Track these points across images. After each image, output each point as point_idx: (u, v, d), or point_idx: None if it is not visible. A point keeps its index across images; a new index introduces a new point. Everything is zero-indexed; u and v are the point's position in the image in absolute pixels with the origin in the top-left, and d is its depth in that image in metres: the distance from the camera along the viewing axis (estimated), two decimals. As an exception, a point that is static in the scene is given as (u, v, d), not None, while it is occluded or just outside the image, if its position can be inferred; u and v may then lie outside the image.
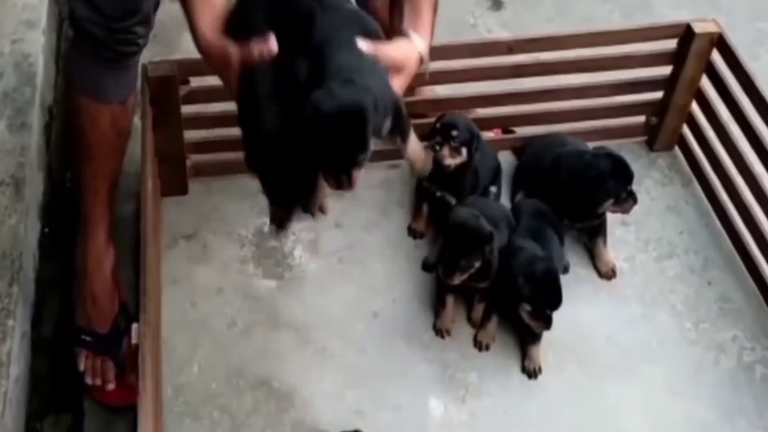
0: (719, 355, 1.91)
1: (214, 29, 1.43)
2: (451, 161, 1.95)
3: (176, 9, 2.29)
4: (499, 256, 1.87)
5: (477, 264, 1.81)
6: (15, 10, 2.34)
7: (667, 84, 2.16)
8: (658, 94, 2.20)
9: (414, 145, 1.55)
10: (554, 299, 1.79)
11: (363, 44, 1.38)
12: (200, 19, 1.43)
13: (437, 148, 1.93)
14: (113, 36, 1.69)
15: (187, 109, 1.99)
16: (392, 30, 1.53)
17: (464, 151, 1.95)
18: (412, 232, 2.08)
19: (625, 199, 1.99)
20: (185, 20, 1.48)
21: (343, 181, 1.33)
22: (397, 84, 1.44)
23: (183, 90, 1.96)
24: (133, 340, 1.53)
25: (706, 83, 2.14)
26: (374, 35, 1.43)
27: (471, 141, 1.96)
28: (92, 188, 1.88)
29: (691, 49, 2.07)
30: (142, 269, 1.64)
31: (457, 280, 1.81)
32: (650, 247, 2.08)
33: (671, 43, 2.11)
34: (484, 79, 2.08)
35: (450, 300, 1.91)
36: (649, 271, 2.05)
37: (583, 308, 1.95)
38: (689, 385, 1.86)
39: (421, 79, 1.61)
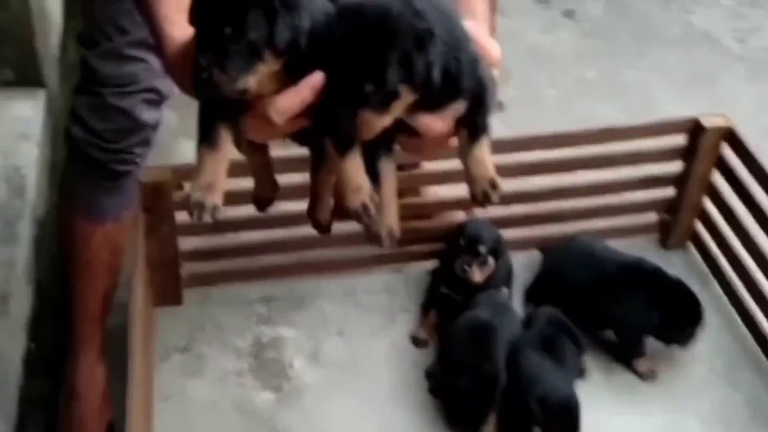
0: (753, 463, 1.78)
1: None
2: (480, 277, 1.90)
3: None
4: (508, 370, 1.78)
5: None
6: (8, 121, 2.31)
7: (679, 180, 2.09)
8: (670, 191, 2.13)
9: (482, 153, 1.11)
10: (571, 429, 1.68)
11: None
12: (173, 27, 1.11)
13: (466, 269, 1.87)
14: (109, 156, 1.64)
15: (181, 216, 1.92)
16: None
17: (491, 260, 1.91)
18: (416, 341, 1.97)
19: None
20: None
21: (342, 124, 1.02)
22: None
23: (177, 196, 1.90)
24: (118, 457, 1.42)
25: (718, 178, 2.07)
26: None
27: (497, 247, 1.92)
28: (84, 308, 1.81)
29: (702, 144, 2.01)
30: (129, 388, 1.54)
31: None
32: (672, 351, 1.96)
33: (680, 139, 2.05)
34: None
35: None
36: (673, 377, 1.92)
37: (603, 416, 1.82)
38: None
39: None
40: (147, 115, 1.61)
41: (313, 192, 1.26)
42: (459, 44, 1.04)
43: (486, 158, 1.09)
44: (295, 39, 1.01)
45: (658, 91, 2.71)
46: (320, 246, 2.08)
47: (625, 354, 1.93)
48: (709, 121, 2.00)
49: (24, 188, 2.14)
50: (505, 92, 2.63)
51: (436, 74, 1.01)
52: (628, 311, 1.91)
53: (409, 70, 0.99)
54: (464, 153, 1.09)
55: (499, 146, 1.95)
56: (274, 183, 1.30)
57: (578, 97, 2.67)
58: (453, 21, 1.06)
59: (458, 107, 1.06)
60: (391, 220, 1.15)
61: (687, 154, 2.05)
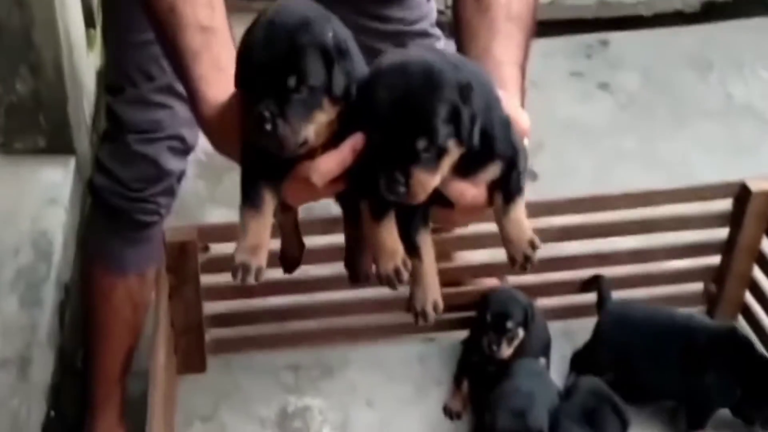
0: None
1: (222, 90, 1.07)
2: (508, 352, 1.82)
3: (200, 186, 2.23)
4: None
5: None
6: (38, 187, 2.28)
7: (725, 247, 2.01)
8: (716, 259, 2.04)
9: (519, 215, 1.07)
10: None
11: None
12: (204, 82, 1.08)
13: (494, 348, 1.80)
14: (133, 205, 1.61)
15: (206, 279, 1.86)
16: None
17: (521, 331, 1.83)
18: (449, 413, 1.88)
19: None
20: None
21: (396, 181, 0.97)
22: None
23: (202, 257, 1.85)
24: None
25: (767, 245, 1.99)
26: None
27: (526, 318, 1.84)
28: (103, 367, 1.75)
29: (749, 209, 1.93)
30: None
31: None
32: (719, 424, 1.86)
33: (726, 204, 1.98)
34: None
35: None
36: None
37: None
38: None
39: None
40: (172, 163, 1.57)
41: (349, 240, 1.21)
42: (493, 104, 1.02)
43: (523, 220, 1.06)
44: (348, 86, 0.98)
45: (698, 163, 2.64)
46: (349, 312, 2.01)
47: (690, 425, 1.84)
48: (756, 185, 1.92)
49: (50, 253, 2.10)
50: (538, 163, 2.58)
51: (477, 130, 0.98)
52: (711, 384, 1.81)
53: (457, 124, 0.97)
54: (500, 216, 1.06)
55: (536, 209, 1.92)
56: (301, 242, 1.25)
57: (614, 168, 2.61)
58: (486, 80, 1.03)
59: (493, 170, 1.03)
60: (434, 294, 1.12)
61: (734, 219, 1.97)
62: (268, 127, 0.94)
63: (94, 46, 2.61)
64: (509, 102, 1.04)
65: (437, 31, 1.76)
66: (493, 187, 1.04)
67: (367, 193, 1.03)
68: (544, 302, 2.06)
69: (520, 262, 1.07)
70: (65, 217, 2.22)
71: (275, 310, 1.97)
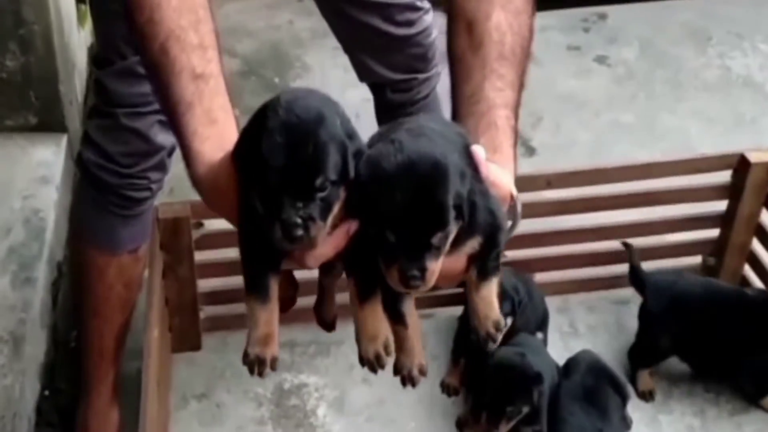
0: None
1: (216, 145, 1.03)
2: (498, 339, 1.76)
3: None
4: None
5: (525, 409, 1.60)
6: (30, 166, 2.26)
7: (724, 220, 1.99)
8: (715, 232, 2.02)
9: (490, 293, 1.06)
10: None
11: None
12: (197, 137, 1.04)
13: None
14: (123, 181, 1.57)
15: (200, 256, 1.84)
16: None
17: (509, 320, 1.76)
18: (446, 388, 1.87)
19: None
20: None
21: (412, 275, 0.95)
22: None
23: (196, 234, 1.83)
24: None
25: (767, 217, 1.96)
26: None
27: (513, 307, 1.78)
28: (97, 346, 1.73)
29: (748, 181, 1.91)
30: (142, 427, 1.45)
31: (504, 429, 1.58)
32: (722, 399, 1.84)
33: (725, 176, 1.96)
34: (522, 216, 1.92)
35: None
36: (722, 427, 1.80)
37: (650, 469, 1.70)
38: None
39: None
40: (162, 137, 1.54)
41: (320, 290, 1.21)
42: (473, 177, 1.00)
43: (493, 299, 1.04)
44: (356, 165, 0.96)
45: (697, 136, 2.61)
46: (345, 289, 1.98)
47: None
48: (755, 157, 1.90)
49: (43, 231, 2.08)
50: (536, 137, 2.56)
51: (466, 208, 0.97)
52: None
53: (459, 209, 0.96)
54: (472, 290, 1.04)
55: (534, 183, 1.91)
56: (295, 283, 1.19)
57: (613, 142, 2.58)
58: (464, 155, 1.01)
59: (474, 244, 1.00)
60: (419, 358, 1.10)
61: (732, 191, 1.95)
62: (300, 233, 0.93)
63: (85, 22, 2.57)
64: (496, 168, 1.02)
65: (426, 4, 1.73)
66: (471, 258, 1.02)
67: (355, 274, 1.03)
68: (542, 277, 2.05)
69: (482, 338, 1.05)
70: (57, 196, 2.20)
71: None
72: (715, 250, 2.03)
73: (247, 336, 1.03)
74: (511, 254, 2.00)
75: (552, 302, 2.02)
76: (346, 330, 1.94)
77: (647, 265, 2.03)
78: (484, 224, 1.00)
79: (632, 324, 2.01)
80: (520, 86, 1.13)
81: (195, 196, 1.84)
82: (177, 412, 1.84)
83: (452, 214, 0.95)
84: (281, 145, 0.94)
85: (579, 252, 2.01)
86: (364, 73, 1.80)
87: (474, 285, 1.03)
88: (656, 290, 1.87)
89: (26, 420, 1.80)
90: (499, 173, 1.03)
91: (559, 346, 1.92)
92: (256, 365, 1.03)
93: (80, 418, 1.75)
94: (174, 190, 2.13)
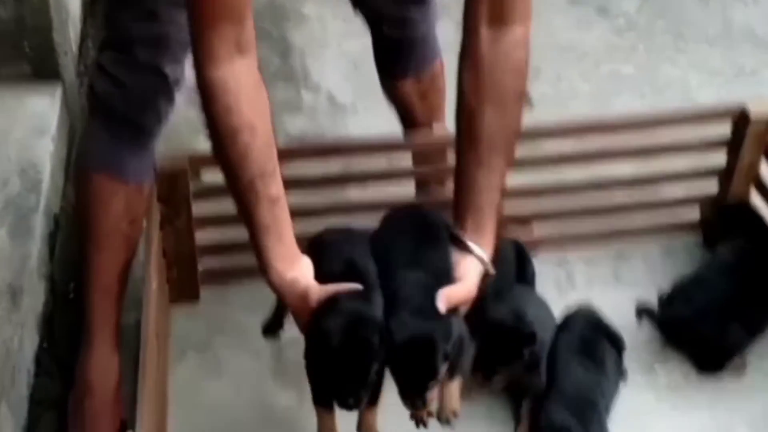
0: (812, 472, 1.66)
1: (287, 264, 1.41)
2: None
3: (191, 114, 2.17)
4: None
5: (518, 369, 1.63)
6: (25, 117, 2.24)
7: (723, 172, 1.98)
8: (714, 185, 2.01)
9: (455, 390, 1.49)
10: None
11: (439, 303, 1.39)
12: (272, 254, 1.40)
13: None
14: (134, 108, 1.59)
15: (198, 208, 1.84)
16: (453, 241, 1.47)
17: None
18: None
19: None
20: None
21: (417, 403, 1.40)
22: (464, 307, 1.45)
23: (194, 186, 1.82)
24: (127, 453, 1.33)
25: (766, 170, 1.96)
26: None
27: None
28: (100, 285, 1.73)
29: (748, 133, 1.90)
30: (141, 378, 1.46)
31: (498, 383, 1.64)
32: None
33: (725, 129, 1.94)
34: (521, 169, 1.91)
35: None
36: (721, 379, 1.81)
37: (646, 420, 1.72)
38: None
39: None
40: (174, 70, 1.56)
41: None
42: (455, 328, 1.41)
43: (456, 393, 1.49)
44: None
45: (697, 88, 2.58)
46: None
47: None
48: (755, 108, 1.89)
49: (39, 183, 2.07)
50: (535, 89, 2.53)
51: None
52: None
53: (446, 357, 1.39)
54: (443, 384, 1.45)
55: (533, 134, 1.89)
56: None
57: (613, 94, 2.56)
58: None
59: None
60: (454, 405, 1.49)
61: (732, 143, 1.94)
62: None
63: (79, -30, 2.54)
64: (466, 268, 1.43)
65: None
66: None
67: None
68: (540, 230, 2.05)
69: (443, 419, 1.48)
70: (53, 147, 2.18)
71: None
72: (714, 202, 2.03)
73: None
74: (509, 208, 1.99)
75: (550, 256, 2.03)
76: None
77: (645, 218, 2.05)
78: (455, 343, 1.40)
79: (629, 277, 2.02)
80: (508, 164, 1.45)
81: (193, 145, 1.83)
82: (175, 364, 1.85)
83: (442, 367, 1.37)
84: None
85: (577, 205, 2.01)
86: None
87: (444, 382, 1.44)
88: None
89: (25, 371, 1.81)
90: (470, 274, 1.43)
91: (557, 299, 1.92)
92: None
93: (80, 368, 1.75)
94: (172, 139, 2.12)
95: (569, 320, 1.82)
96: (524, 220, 2.04)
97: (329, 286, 1.40)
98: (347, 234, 1.60)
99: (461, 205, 1.45)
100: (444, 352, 1.36)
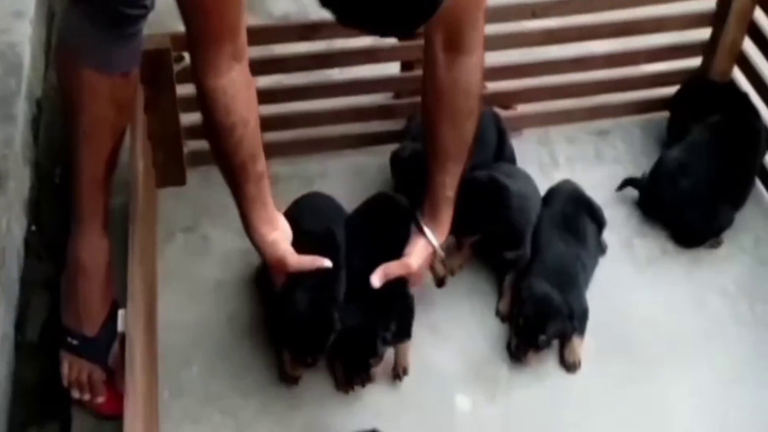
0: (779, 337, 1.73)
1: (269, 227, 1.61)
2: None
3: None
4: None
5: (498, 228, 1.71)
6: (2, 1, 2.20)
7: (707, 48, 1.98)
8: (697, 61, 2.02)
9: (406, 349, 1.67)
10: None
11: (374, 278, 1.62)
12: (257, 220, 1.60)
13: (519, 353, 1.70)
14: None
15: (183, 89, 1.82)
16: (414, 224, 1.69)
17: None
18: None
19: None
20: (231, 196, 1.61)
21: (362, 379, 1.62)
22: (416, 276, 1.66)
23: (178, 66, 1.80)
24: (120, 328, 1.36)
25: (749, 46, 1.96)
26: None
27: (564, 331, 1.69)
28: (88, 173, 1.71)
29: (732, 8, 1.89)
30: (131, 256, 1.49)
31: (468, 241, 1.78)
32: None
33: (710, 3, 1.94)
34: (506, 47, 1.91)
35: None
36: (696, 250, 1.86)
37: (624, 292, 1.77)
38: (747, 371, 1.69)
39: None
40: None
41: None
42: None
43: (407, 353, 1.66)
44: None
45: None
46: (326, 122, 1.99)
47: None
48: (740, -21, 1.88)
49: (20, 67, 2.04)
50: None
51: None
52: None
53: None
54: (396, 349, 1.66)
55: (519, 12, 1.88)
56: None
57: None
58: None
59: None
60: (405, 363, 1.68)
61: (716, 19, 1.94)
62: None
63: None
64: (419, 250, 1.66)
65: None
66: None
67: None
68: (523, 108, 2.06)
69: (394, 376, 1.66)
70: (31, 30, 2.15)
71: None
72: (696, 80, 2.03)
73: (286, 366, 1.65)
74: (492, 86, 2.00)
75: (532, 134, 2.05)
76: (327, 164, 1.99)
77: (630, 96, 2.06)
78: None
79: (610, 154, 2.04)
80: (464, 169, 1.64)
81: (175, 28, 1.81)
82: (164, 244, 1.87)
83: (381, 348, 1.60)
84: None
85: (560, 83, 2.01)
86: None
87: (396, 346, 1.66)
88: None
89: (15, 254, 1.82)
90: (413, 260, 1.65)
91: (540, 177, 1.94)
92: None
93: (71, 251, 1.77)
94: (153, 23, 2.10)
95: (551, 195, 1.85)
96: (508, 104, 2.04)
97: (304, 259, 1.60)
98: (330, 202, 1.81)
99: (424, 199, 1.67)
100: (383, 338, 1.57)
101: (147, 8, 1.58)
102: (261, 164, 1.57)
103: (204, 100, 1.50)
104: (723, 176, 1.85)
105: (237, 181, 1.58)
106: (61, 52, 1.75)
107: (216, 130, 1.52)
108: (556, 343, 1.69)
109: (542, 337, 1.64)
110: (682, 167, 1.87)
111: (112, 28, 1.58)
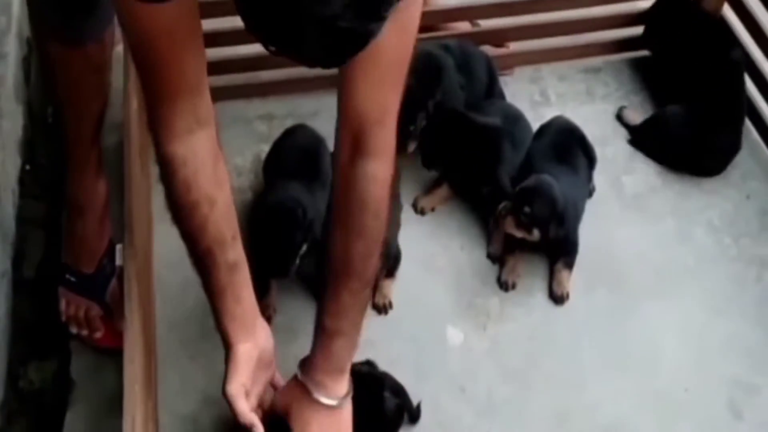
0: (762, 270, 1.77)
1: (242, 334, 1.37)
2: (515, 233, 1.70)
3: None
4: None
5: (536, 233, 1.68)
6: (-12, -61, 2.17)
7: (695, -15, 1.99)
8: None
9: (389, 284, 1.69)
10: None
11: None
12: (225, 313, 1.37)
13: (501, 213, 1.70)
14: None
15: (172, 28, 1.82)
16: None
17: (536, 232, 1.68)
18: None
19: None
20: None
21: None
22: None
23: (168, 3, 1.79)
24: (117, 262, 1.39)
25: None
26: None
27: (548, 220, 1.67)
28: (75, 132, 1.71)
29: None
30: (127, 193, 1.50)
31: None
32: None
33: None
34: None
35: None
36: (683, 186, 1.90)
37: (612, 227, 1.81)
38: (730, 303, 1.73)
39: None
40: None
41: None
42: None
43: (390, 288, 1.70)
44: None
45: None
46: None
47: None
48: None
49: (9, 5, 2.03)
50: None
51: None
52: None
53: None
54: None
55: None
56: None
57: None
58: None
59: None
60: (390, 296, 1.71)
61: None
62: None
63: None
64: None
65: None
66: None
67: None
68: (515, 46, 2.07)
69: (379, 307, 1.70)
70: (19, -31, 2.14)
71: (245, 59, 1.93)
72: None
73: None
74: (484, 23, 2.01)
75: (524, 72, 2.06)
76: (321, 100, 2.00)
77: (616, 34, 2.06)
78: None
79: (601, 91, 2.06)
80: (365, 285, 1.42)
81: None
82: (158, 184, 1.87)
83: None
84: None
85: (551, 20, 2.02)
86: None
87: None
88: None
89: (10, 192, 1.83)
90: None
91: (531, 115, 1.95)
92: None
93: (69, 194, 1.78)
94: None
95: (544, 128, 1.87)
96: (499, 42, 2.05)
97: (248, 416, 1.35)
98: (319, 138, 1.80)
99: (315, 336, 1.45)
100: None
101: None
102: (233, 253, 1.34)
103: (162, 170, 1.31)
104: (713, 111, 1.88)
105: (203, 270, 1.36)
106: (32, 26, 1.72)
107: (176, 207, 1.33)
108: (545, 275, 1.73)
109: (526, 209, 1.64)
110: (675, 116, 1.91)
111: (77, 1, 1.53)
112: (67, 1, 1.52)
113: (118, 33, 1.48)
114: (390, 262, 1.67)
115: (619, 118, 1.98)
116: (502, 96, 1.94)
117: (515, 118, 1.86)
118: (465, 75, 1.86)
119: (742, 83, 1.92)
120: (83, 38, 1.56)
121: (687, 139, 1.87)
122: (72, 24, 1.54)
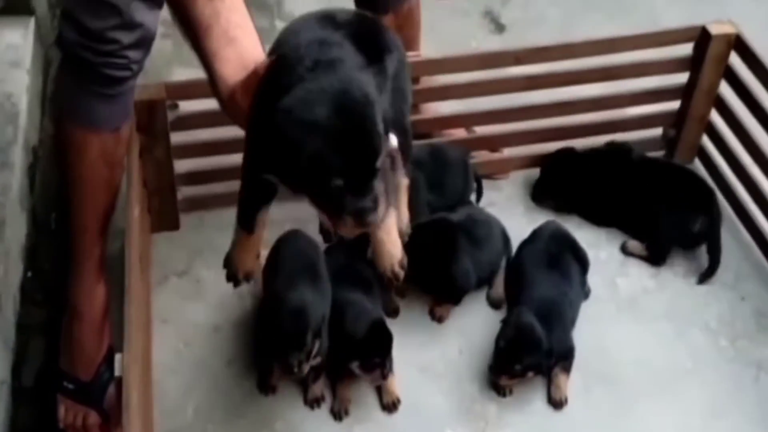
0: (760, 372, 1.77)
1: (239, 78, 1.25)
2: (512, 382, 1.72)
3: (166, 45, 2.18)
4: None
5: (530, 374, 1.69)
6: (-1, 50, 2.25)
7: (685, 92, 2.04)
8: (675, 104, 2.08)
9: (392, 384, 1.70)
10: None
11: None
12: (223, 66, 1.25)
13: (493, 374, 1.72)
14: (103, 59, 1.57)
15: (176, 137, 1.87)
16: None
17: (531, 373, 1.70)
18: None
19: None
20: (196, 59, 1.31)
21: (363, 207, 1.22)
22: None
23: (171, 115, 1.85)
24: (116, 372, 1.39)
25: (725, 90, 2.02)
26: None
27: (539, 363, 1.69)
28: (81, 225, 1.74)
29: (708, 53, 1.96)
30: (127, 301, 1.52)
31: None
32: (676, 262, 1.94)
33: (687, 49, 2.00)
34: (491, 93, 1.97)
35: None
36: (677, 288, 1.91)
37: (608, 328, 1.81)
38: (730, 404, 1.72)
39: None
40: (142, 14, 1.52)
41: None
42: None
43: (394, 387, 1.68)
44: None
45: (663, 10, 2.63)
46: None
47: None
48: (716, 29, 1.94)
49: (16, 116, 2.09)
50: (505, 14, 2.57)
51: None
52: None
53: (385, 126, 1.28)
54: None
55: (500, 59, 1.94)
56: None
57: (582, 17, 2.60)
58: None
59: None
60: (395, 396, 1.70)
61: (693, 64, 1.99)
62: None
63: None
64: None
65: None
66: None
67: None
68: (509, 152, 2.11)
69: (387, 408, 1.68)
70: (28, 80, 2.19)
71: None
72: (676, 122, 2.09)
73: (230, 252, 1.45)
74: (479, 130, 2.05)
75: (518, 177, 2.09)
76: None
77: (608, 138, 2.10)
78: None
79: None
80: None
81: (168, 77, 1.82)
82: (158, 287, 1.90)
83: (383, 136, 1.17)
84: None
85: (545, 127, 2.06)
86: None
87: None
88: None
89: (11, 299, 1.85)
90: None
91: (524, 219, 1.99)
92: (230, 280, 1.50)
93: (69, 296, 1.79)
94: (148, 71, 2.15)
95: (536, 234, 1.89)
96: (494, 147, 2.09)
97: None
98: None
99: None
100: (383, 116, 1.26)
101: (133, 71, 1.60)
102: None
103: None
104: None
105: (179, 5, 1.29)
106: (53, 111, 1.78)
107: None
108: (543, 380, 1.73)
109: (517, 367, 1.66)
110: None
111: (100, 88, 1.60)
112: (90, 85, 1.58)
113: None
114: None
115: (624, 250, 1.99)
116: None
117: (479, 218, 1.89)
118: (437, 185, 1.90)
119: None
120: (100, 124, 1.62)
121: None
122: (92, 109, 1.61)
